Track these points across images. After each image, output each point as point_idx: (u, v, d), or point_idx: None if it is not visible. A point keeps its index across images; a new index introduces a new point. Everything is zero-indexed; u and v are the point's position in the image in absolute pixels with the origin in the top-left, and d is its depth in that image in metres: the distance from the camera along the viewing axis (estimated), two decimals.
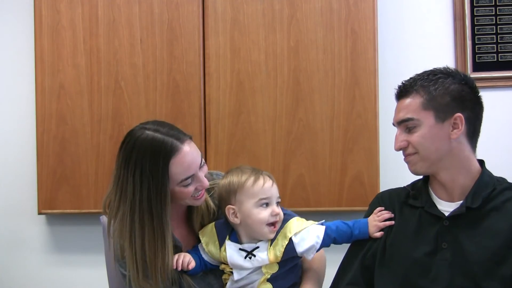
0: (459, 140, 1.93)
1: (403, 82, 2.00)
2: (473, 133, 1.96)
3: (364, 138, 3.03)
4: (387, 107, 2.91)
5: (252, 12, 3.07)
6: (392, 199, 2.10)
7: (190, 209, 2.13)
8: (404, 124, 1.95)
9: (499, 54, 3.09)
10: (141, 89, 3.10)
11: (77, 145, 3.12)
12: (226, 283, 2.04)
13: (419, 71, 2.92)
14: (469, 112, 1.93)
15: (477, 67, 3.07)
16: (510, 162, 3.03)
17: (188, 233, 2.14)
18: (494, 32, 3.10)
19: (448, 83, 1.93)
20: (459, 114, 1.91)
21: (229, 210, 2.00)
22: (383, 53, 3.10)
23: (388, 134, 2.90)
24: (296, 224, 2.01)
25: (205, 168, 2.03)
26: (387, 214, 2.04)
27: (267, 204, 1.98)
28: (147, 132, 1.96)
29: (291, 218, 2.04)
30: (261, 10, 3.07)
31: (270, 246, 1.98)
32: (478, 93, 1.98)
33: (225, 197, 2.02)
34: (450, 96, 1.91)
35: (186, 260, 2.01)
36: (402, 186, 2.15)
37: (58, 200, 3.13)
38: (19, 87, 3.31)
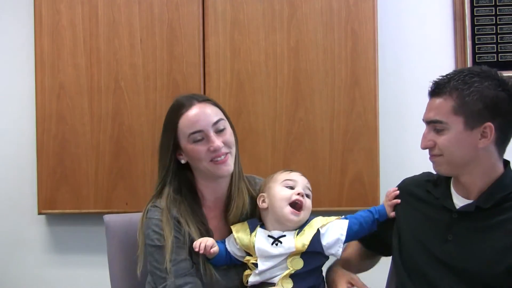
0: (487, 149, 1.89)
1: (438, 79, 1.94)
2: (503, 141, 1.92)
3: (364, 138, 3.03)
4: (387, 107, 3.09)
5: (252, 12, 3.07)
6: (411, 188, 2.13)
7: (228, 202, 2.17)
8: (433, 125, 1.92)
9: (499, 54, 3.10)
10: (141, 89, 3.11)
11: (77, 145, 3.13)
12: (247, 280, 2.05)
13: (419, 71, 3.07)
14: (501, 120, 1.87)
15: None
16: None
17: (223, 225, 2.16)
18: (494, 32, 3.10)
19: (483, 89, 1.85)
20: (489, 123, 1.85)
21: (260, 198, 2.08)
22: (383, 53, 3.10)
23: (388, 134, 3.09)
24: (322, 219, 2.05)
25: (225, 131, 2.09)
26: (394, 193, 2.12)
27: (292, 188, 2.04)
28: (176, 98, 2.14)
29: (316, 217, 2.07)
30: (261, 10, 3.07)
31: (297, 235, 2.00)
32: None
33: (260, 191, 2.11)
34: (483, 104, 1.84)
35: (209, 244, 2.03)
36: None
37: (58, 200, 3.13)
38: (19, 87, 3.31)
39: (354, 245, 2.29)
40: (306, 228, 2.02)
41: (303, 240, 1.98)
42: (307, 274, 2.00)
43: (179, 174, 2.13)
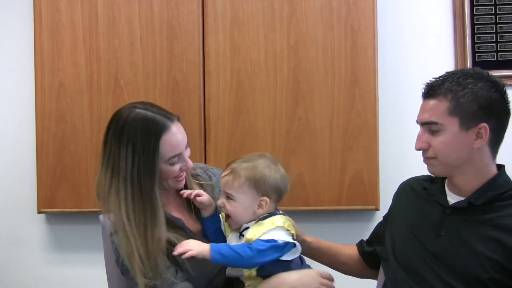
0: (481, 149, 1.92)
1: (431, 80, 1.97)
2: (496, 142, 1.95)
3: (364, 136, 3.03)
4: (387, 105, 3.09)
5: (252, 10, 3.07)
6: (412, 183, 2.17)
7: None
8: (428, 126, 1.94)
9: (499, 53, 3.10)
10: (141, 87, 3.10)
11: (77, 144, 3.12)
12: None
13: (419, 69, 3.06)
14: (494, 121, 1.91)
15: (476, 66, 2.98)
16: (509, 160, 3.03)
17: (189, 217, 2.19)
18: (494, 31, 3.10)
19: (477, 90, 1.88)
20: (484, 124, 1.88)
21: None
22: (383, 51, 3.10)
23: (387, 132, 3.09)
24: (278, 221, 1.99)
25: (189, 150, 2.09)
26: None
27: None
28: (138, 110, 2.02)
29: (279, 216, 2.02)
30: (261, 8, 3.06)
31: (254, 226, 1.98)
32: (507, 100, 1.94)
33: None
34: (478, 105, 1.88)
35: (199, 192, 2.07)
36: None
37: (57, 199, 3.13)
38: (18, 85, 3.31)
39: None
40: (266, 221, 1.99)
41: (255, 231, 1.95)
42: (271, 265, 1.98)
43: None
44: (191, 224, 2.16)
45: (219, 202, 2.03)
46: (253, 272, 1.96)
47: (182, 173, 2.09)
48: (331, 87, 3.05)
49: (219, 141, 3.06)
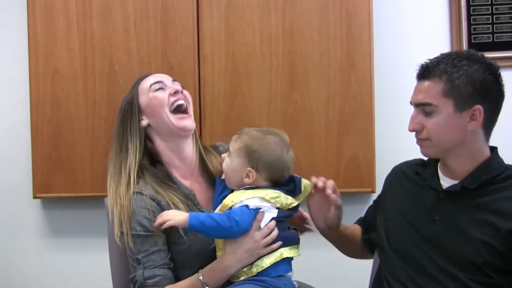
0: (475, 131, 1.93)
1: (426, 62, 1.97)
2: (490, 124, 1.96)
3: (360, 119, 3.03)
4: (383, 88, 3.08)
5: None
6: (403, 168, 2.18)
7: (203, 164, 2.28)
8: (422, 107, 1.94)
9: (495, 35, 3.08)
10: (136, 72, 3.03)
11: (72, 129, 3.10)
12: None
13: (415, 52, 2.99)
14: (489, 104, 1.92)
15: (472, 48, 3.01)
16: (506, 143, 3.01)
17: (202, 185, 2.27)
18: (490, 12, 3.09)
19: (472, 72, 1.89)
20: (478, 106, 1.89)
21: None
22: (379, 35, 3.08)
23: (383, 115, 3.09)
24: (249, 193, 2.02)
25: (177, 83, 2.26)
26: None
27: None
28: None
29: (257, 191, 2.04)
30: None
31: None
32: (501, 83, 1.95)
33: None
34: (473, 87, 1.88)
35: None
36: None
37: (53, 184, 3.11)
38: (12, 71, 3.29)
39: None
40: (250, 190, 2.02)
41: (233, 197, 2.01)
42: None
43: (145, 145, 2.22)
44: (202, 194, 2.23)
45: (223, 154, 2.12)
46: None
47: (175, 99, 2.17)
48: (327, 71, 3.03)
49: (214, 125, 3.05)
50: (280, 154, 2.04)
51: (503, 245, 1.87)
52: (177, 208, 2.08)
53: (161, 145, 2.22)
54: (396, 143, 3.06)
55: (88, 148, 3.09)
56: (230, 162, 2.05)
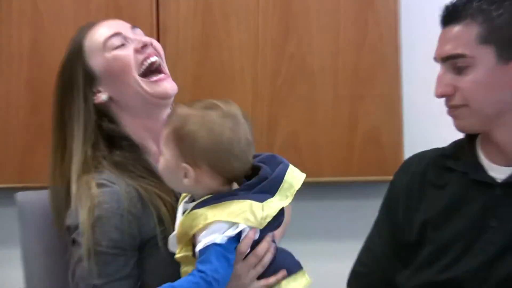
0: None
1: (452, 1, 1.77)
2: None
3: (381, 80, 2.69)
4: (412, 36, 2.83)
5: None
6: (423, 169, 1.90)
7: None
8: (452, 62, 1.71)
9: None
10: (68, 15, 2.67)
11: None
12: None
13: None
14: None
15: None
16: None
17: None
18: None
19: None
20: None
21: None
22: None
23: (414, 74, 2.82)
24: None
25: (139, 31, 1.97)
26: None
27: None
28: None
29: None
30: None
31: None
32: None
33: None
34: None
35: None
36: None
37: None
38: None
39: None
40: (199, 212, 1.68)
41: (186, 228, 1.68)
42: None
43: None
44: None
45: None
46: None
47: (145, 56, 1.89)
48: (335, 12, 2.69)
49: (179, 88, 2.50)
50: (224, 135, 1.67)
51: None
52: (161, 213, 1.81)
53: (130, 125, 1.93)
54: (430, 112, 2.68)
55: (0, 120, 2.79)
56: (164, 160, 1.73)
